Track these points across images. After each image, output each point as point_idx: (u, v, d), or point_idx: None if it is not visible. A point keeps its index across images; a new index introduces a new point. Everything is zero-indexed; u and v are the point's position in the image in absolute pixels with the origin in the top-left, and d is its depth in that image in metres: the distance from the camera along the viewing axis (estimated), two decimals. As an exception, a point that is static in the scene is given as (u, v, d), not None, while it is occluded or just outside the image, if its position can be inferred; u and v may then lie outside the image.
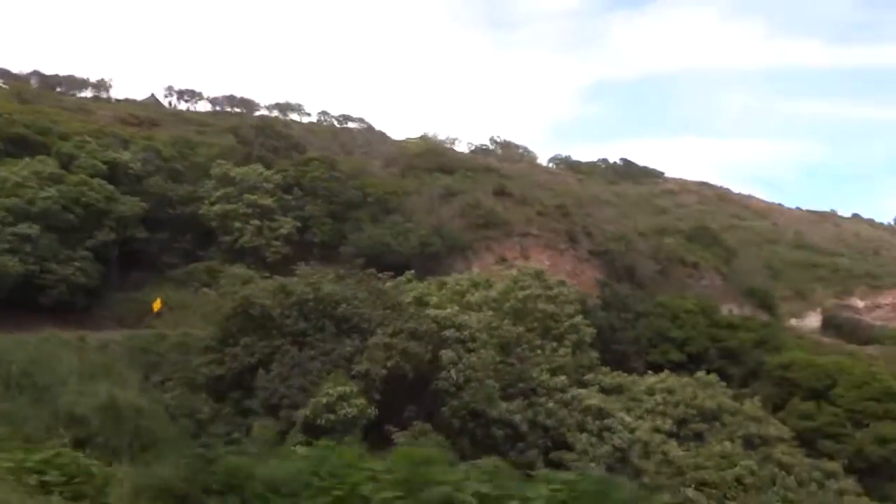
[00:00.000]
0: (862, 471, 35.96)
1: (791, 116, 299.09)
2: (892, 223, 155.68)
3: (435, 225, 58.80)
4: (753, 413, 36.60)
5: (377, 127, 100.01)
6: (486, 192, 66.52)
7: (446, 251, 58.87)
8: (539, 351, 37.58)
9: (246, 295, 31.01)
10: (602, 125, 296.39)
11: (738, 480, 31.61)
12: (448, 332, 32.26)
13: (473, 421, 30.21)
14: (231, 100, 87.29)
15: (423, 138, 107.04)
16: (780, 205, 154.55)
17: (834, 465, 35.39)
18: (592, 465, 31.14)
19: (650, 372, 40.67)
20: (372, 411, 27.28)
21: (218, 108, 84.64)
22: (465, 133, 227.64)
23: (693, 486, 31.48)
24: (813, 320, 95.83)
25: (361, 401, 26.75)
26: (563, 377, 35.38)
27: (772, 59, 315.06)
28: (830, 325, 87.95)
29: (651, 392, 36.63)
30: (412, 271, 44.45)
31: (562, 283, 42.78)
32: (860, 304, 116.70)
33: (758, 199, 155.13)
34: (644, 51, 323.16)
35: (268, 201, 53.87)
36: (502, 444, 31.62)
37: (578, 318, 40.38)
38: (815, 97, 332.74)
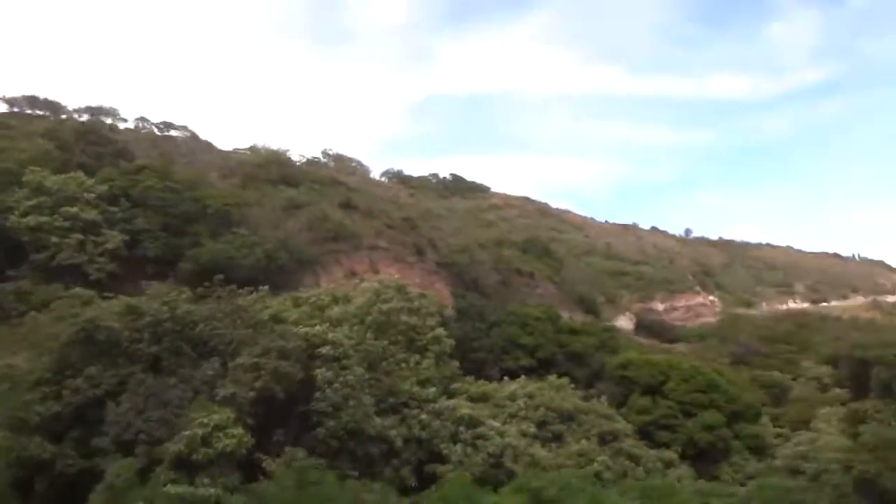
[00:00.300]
0: (693, 457, 40.02)
1: (601, 138, 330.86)
2: (682, 234, 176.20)
3: (281, 238, 56.53)
4: (603, 411, 39.33)
5: (202, 136, 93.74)
6: (332, 204, 65.35)
7: (294, 265, 56.80)
8: (404, 364, 37.42)
9: (91, 318, 27.34)
10: (432, 140, 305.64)
11: (597, 476, 33.63)
12: (322, 350, 30.93)
13: (353, 440, 29.22)
14: (32, 101, 77.22)
15: (253, 149, 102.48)
16: (592, 218, 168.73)
17: (671, 454, 39.04)
18: (468, 473, 31.62)
19: (506, 378, 42.27)
20: (249, 440, 25.32)
21: (16, 110, 74.48)
22: (296, 145, 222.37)
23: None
24: (625, 323, 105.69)
25: (238, 430, 24.71)
26: (431, 388, 35.53)
27: (585, 84, 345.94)
28: (641, 326, 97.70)
29: (513, 398, 37.96)
30: (266, 287, 42.22)
31: (423, 295, 43.02)
32: (660, 307, 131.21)
33: (574, 214, 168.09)
34: (471, 70, 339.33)
35: (91, 214, 48.32)
36: (378, 461, 31.06)
37: (440, 330, 40.80)
38: (620, 121, 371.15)
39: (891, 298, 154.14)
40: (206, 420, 23.98)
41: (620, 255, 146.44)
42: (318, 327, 32.65)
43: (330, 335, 31.82)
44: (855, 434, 25.55)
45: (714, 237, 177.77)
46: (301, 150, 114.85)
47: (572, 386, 42.22)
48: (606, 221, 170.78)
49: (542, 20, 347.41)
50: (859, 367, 62.93)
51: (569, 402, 38.75)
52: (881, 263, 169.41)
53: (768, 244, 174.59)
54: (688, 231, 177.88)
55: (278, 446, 28.77)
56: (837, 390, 61.10)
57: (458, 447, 32.94)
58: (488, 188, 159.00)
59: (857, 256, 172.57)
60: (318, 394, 29.48)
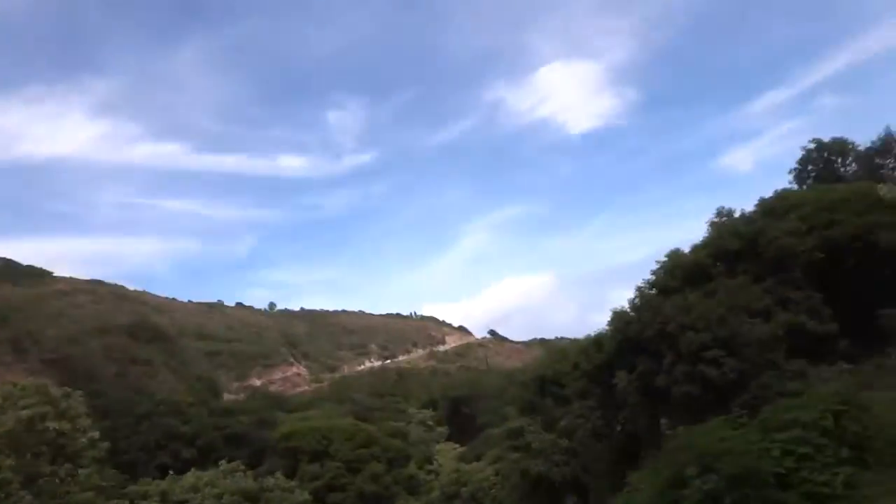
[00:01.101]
0: (361, 508, 42.89)
1: (172, 215, 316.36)
2: (267, 308, 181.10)
3: None
4: (284, 485, 39.46)
5: None
6: None
7: None
8: (58, 480, 31.71)
9: None
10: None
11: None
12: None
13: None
14: None
15: None
16: (174, 299, 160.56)
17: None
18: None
19: (170, 474, 38.97)
20: None
21: None
22: None
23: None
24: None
25: None
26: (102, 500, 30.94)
27: (150, 159, 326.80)
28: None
29: (195, 489, 35.39)
30: None
31: (67, 394, 36.72)
32: (258, 382, 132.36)
33: (152, 295, 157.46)
34: (14, 137, 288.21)
35: None
36: None
37: (95, 433, 35.63)
38: (191, 198, 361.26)
39: (442, 347, 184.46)
40: None
41: (212, 334, 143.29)
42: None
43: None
44: (516, 447, 32.01)
45: (296, 308, 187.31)
46: None
47: (242, 468, 41.20)
48: (190, 301, 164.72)
49: (101, 90, 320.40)
50: (452, 404, 75.70)
51: (249, 484, 37.84)
52: (433, 319, 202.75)
53: (344, 311, 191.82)
54: (272, 304, 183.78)
55: None
56: (440, 428, 71.68)
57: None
58: (50, 272, 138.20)
59: (414, 314, 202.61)
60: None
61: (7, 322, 52.28)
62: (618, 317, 29.84)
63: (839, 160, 35.77)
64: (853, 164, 36.17)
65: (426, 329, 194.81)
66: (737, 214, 29.66)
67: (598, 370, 31.85)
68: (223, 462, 40.68)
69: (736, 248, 27.33)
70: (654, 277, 29.19)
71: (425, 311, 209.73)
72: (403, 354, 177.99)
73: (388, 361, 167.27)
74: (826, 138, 37.29)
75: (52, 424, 33.92)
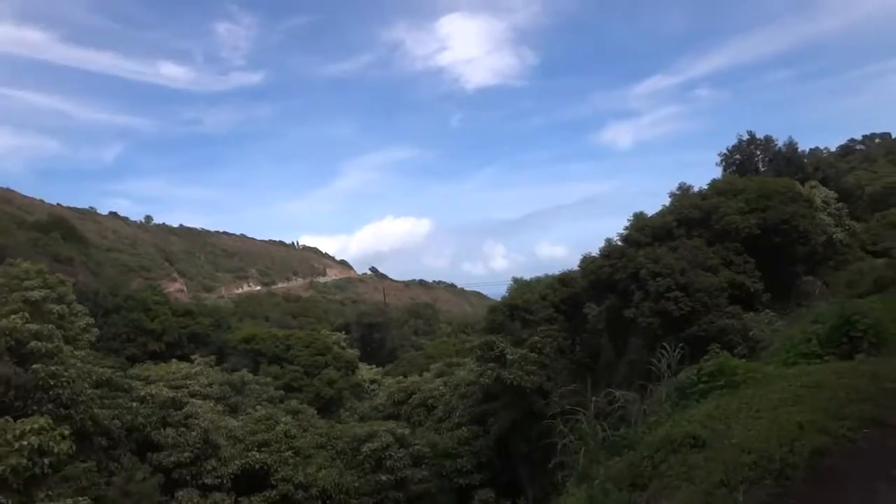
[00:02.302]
0: (319, 408, 47.62)
1: (31, 109, 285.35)
2: (143, 221, 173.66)
3: None
4: (261, 380, 43.23)
5: None
6: None
7: None
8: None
9: None
10: None
11: (286, 434, 38.14)
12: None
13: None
14: None
15: None
16: (42, 200, 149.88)
17: (306, 407, 45.79)
18: (186, 454, 32.20)
19: (136, 365, 41.29)
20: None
21: None
22: None
23: (256, 448, 36.15)
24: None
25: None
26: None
27: (5, 42, 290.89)
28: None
29: (188, 377, 38.37)
30: None
31: (62, 282, 37.82)
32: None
33: (20, 194, 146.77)
34: None
35: None
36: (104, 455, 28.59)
37: (89, 318, 37.39)
38: (55, 93, 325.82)
39: (322, 279, 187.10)
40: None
41: (91, 241, 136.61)
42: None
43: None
44: (488, 358, 38.04)
45: (174, 225, 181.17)
46: None
47: (212, 363, 44.24)
48: (59, 204, 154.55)
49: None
50: (367, 329, 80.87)
51: (233, 377, 41.27)
52: (315, 250, 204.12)
53: (225, 232, 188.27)
54: (148, 217, 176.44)
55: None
56: (351, 350, 76.81)
57: (170, 431, 32.62)
58: None
59: (296, 244, 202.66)
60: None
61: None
62: (589, 261, 36.68)
63: (759, 154, 44.60)
64: (767, 160, 45.13)
65: (308, 259, 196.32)
66: (695, 190, 37.42)
67: (563, 302, 38.80)
68: (196, 356, 43.49)
69: (695, 217, 34.71)
70: (626, 233, 36.07)
71: (304, 241, 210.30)
72: (283, 282, 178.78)
73: (269, 288, 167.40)
74: (746, 132, 46.12)
75: (53, 307, 35.40)
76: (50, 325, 27.81)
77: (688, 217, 34.95)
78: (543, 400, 35.98)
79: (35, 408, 24.82)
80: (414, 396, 46.19)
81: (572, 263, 40.91)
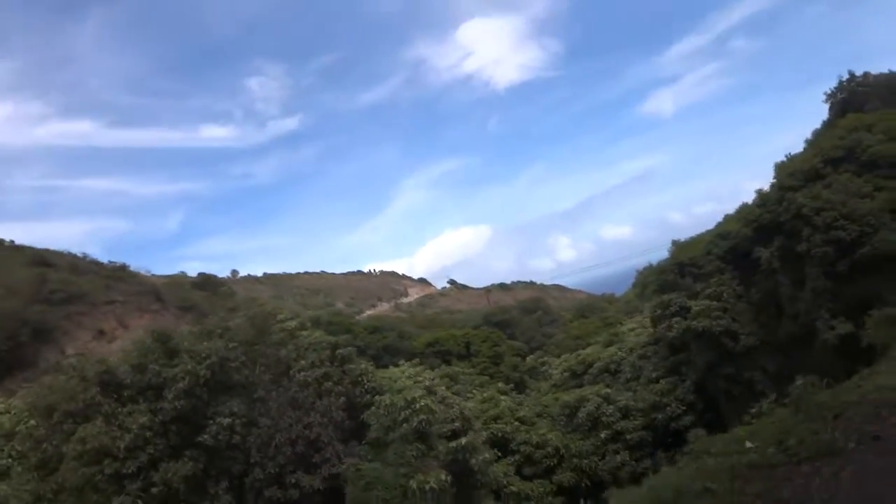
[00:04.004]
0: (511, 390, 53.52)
1: (88, 193, 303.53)
2: (229, 276, 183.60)
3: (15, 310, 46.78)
4: (464, 370, 49.48)
5: None
6: (23, 264, 55.07)
7: (30, 336, 47.56)
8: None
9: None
10: None
11: (509, 409, 44.17)
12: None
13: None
14: None
15: None
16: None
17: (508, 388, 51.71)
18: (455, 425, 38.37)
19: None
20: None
21: None
22: None
23: (493, 421, 42.25)
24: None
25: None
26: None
27: (57, 137, 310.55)
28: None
29: (410, 377, 44.78)
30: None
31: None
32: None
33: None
34: None
35: None
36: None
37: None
38: (108, 175, 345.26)
39: (405, 300, 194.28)
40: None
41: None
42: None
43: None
44: (671, 315, 43.84)
45: (259, 274, 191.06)
46: None
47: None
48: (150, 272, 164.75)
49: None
50: (496, 328, 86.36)
51: (445, 370, 47.72)
52: (392, 273, 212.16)
53: (306, 272, 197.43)
54: (234, 272, 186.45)
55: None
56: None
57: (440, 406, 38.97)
58: None
59: (374, 271, 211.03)
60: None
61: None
62: (748, 210, 42.06)
63: (861, 91, 49.43)
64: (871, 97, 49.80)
65: (387, 283, 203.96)
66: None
67: (727, 252, 44.12)
68: (403, 361, 50.01)
69: (839, 156, 39.80)
70: (776, 181, 41.33)
71: (369, 267, 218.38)
72: (369, 309, 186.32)
73: (361, 315, 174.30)
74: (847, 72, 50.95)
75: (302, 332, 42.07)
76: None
77: (831, 156, 40.04)
78: (732, 341, 41.37)
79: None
80: (596, 364, 51.80)
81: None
